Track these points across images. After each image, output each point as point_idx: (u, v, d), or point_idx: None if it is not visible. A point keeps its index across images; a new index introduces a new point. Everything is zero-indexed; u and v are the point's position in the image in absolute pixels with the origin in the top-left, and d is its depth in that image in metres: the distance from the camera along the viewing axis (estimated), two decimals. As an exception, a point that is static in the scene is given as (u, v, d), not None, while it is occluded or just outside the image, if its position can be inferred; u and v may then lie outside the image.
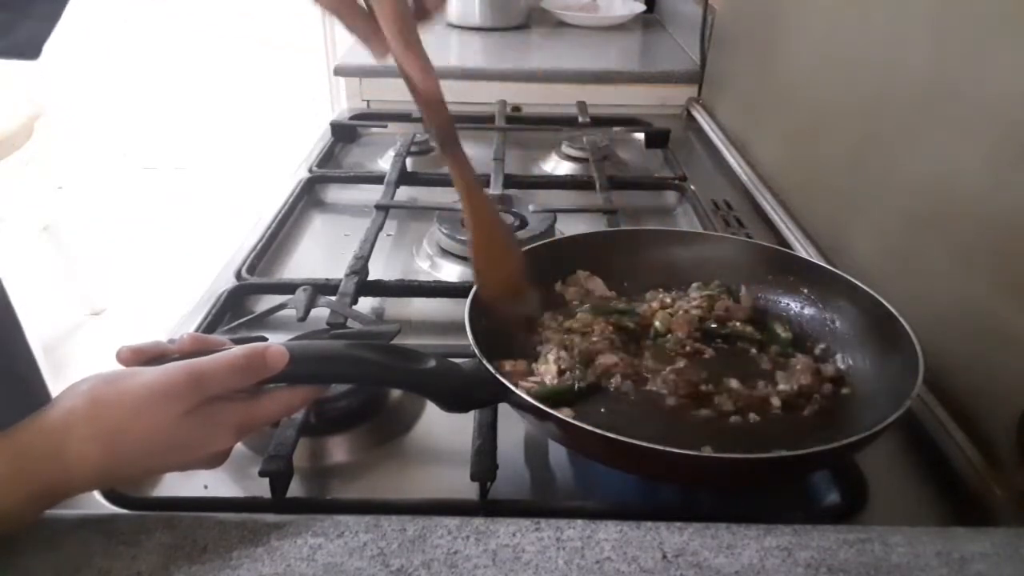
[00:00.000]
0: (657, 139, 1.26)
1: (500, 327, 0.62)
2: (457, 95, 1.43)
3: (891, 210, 0.77)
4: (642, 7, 1.88)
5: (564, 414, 0.53)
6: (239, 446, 0.50)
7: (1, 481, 0.43)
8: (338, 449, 0.62)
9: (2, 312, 0.54)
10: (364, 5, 0.50)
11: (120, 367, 0.48)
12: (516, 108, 1.42)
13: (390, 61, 0.52)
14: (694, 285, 0.72)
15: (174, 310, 0.79)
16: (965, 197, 0.65)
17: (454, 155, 0.57)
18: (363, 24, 0.51)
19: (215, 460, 0.49)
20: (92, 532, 0.47)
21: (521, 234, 0.91)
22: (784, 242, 0.92)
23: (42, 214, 2.34)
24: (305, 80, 3.03)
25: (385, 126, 1.30)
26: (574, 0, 1.92)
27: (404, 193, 1.05)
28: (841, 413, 0.59)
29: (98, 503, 0.53)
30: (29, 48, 0.55)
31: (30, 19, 0.53)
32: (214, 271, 0.85)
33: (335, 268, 0.82)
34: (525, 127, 1.32)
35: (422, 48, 0.52)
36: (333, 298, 0.76)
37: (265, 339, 0.52)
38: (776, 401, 0.59)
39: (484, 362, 0.54)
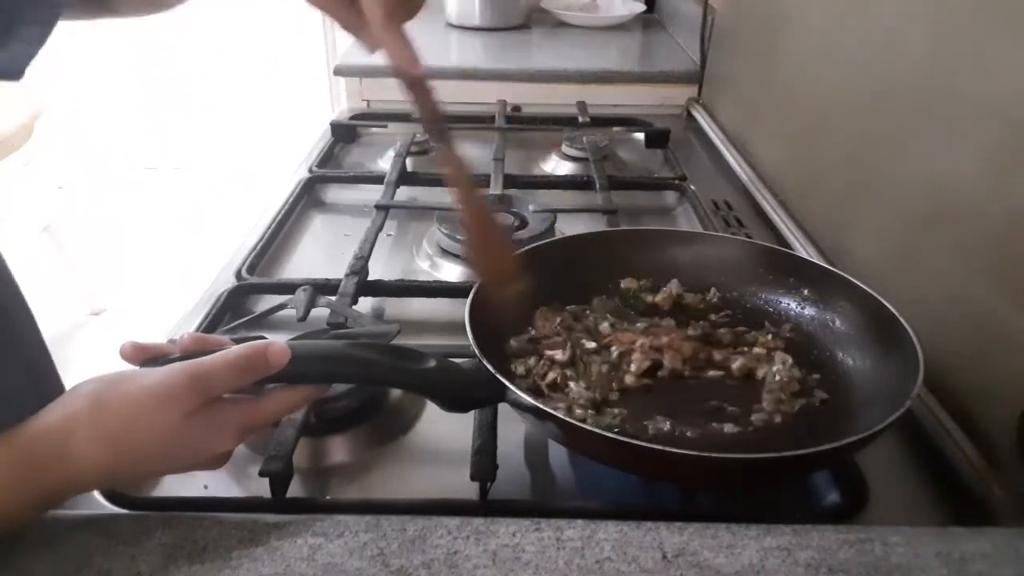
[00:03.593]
0: (657, 139, 1.26)
1: (499, 317, 0.63)
2: (457, 95, 1.43)
3: (891, 210, 0.77)
4: (642, 7, 1.88)
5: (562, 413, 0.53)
6: (239, 446, 0.49)
7: (5, 483, 0.43)
8: (338, 449, 0.62)
9: (16, 304, 0.54)
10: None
11: (122, 365, 0.48)
12: (516, 108, 1.42)
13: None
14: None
15: (174, 310, 0.79)
16: (965, 197, 0.65)
17: (443, 143, 0.58)
18: (350, 16, 0.51)
19: (217, 461, 0.49)
20: (92, 532, 0.47)
21: (521, 234, 0.91)
22: (784, 242, 0.92)
23: (42, 214, 2.34)
24: (305, 80, 3.03)
25: (385, 126, 1.30)
26: (574, 0, 1.92)
27: (404, 193, 1.05)
28: (841, 413, 0.59)
29: (98, 503, 0.53)
30: (11, 71, 0.55)
31: (17, 41, 0.53)
32: (214, 271, 0.85)
33: (335, 268, 0.82)
34: (525, 127, 1.32)
35: (405, 33, 0.52)
36: (333, 298, 0.76)
37: (265, 339, 0.52)
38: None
39: (484, 362, 0.54)
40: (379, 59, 0.53)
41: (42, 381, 0.57)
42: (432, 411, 0.60)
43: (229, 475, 0.59)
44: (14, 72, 0.54)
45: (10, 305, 0.55)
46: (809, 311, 0.69)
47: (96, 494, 0.54)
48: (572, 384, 0.60)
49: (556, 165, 1.20)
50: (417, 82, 0.55)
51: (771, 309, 0.71)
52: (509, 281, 0.63)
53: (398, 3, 0.51)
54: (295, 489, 0.57)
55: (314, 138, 1.26)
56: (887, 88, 0.79)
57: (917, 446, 0.62)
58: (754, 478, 0.54)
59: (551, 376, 0.61)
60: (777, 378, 0.61)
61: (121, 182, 3.31)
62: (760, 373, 0.62)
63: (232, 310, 0.79)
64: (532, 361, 0.63)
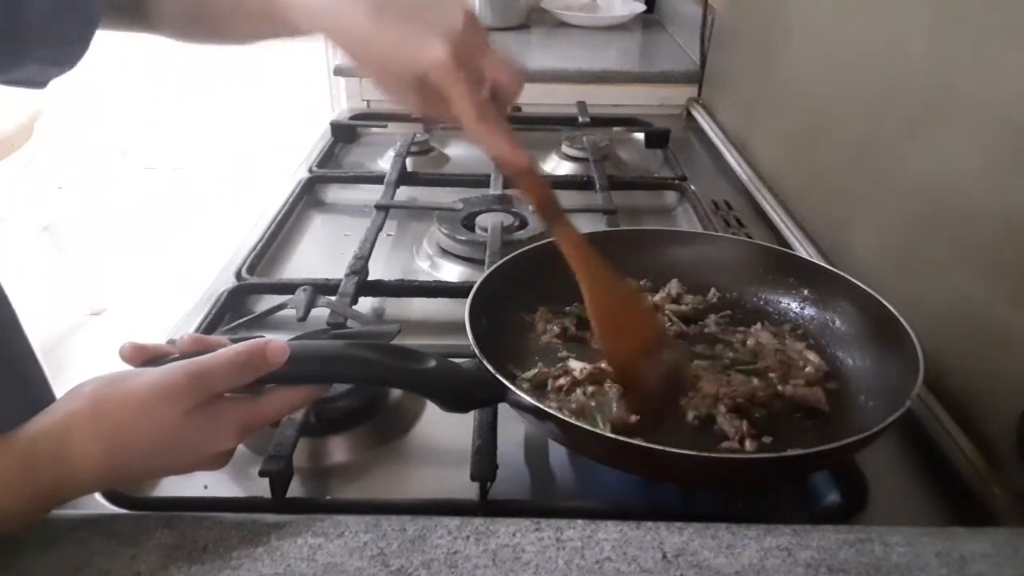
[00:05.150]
0: (657, 139, 1.26)
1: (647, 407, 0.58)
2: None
3: (891, 210, 0.77)
4: (642, 7, 1.88)
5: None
6: (239, 446, 0.49)
7: (5, 482, 0.43)
8: (338, 449, 0.62)
9: (1, 309, 0.54)
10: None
11: (122, 365, 0.48)
12: (516, 108, 1.41)
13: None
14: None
15: (174, 310, 0.79)
16: (965, 197, 0.65)
17: (560, 227, 0.56)
18: (439, 110, 0.50)
19: (218, 461, 0.49)
20: (92, 532, 0.47)
21: (521, 234, 0.91)
22: (784, 242, 0.92)
23: (42, 214, 2.34)
24: (305, 80, 3.03)
25: (385, 126, 1.30)
26: (574, 0, 1.92)
27: (404, 193, 1.05)
28: (841, 413, 0.59)
29: (98, 503, 0.53)
30: (32, 83, 0.55)
31: (32, 61, 0.53)
32: (214, 271, 0.85)
33: (335, 268, 0.82)
34: (525, 127, 1.32)
35: (504, 124, 0.51)
36: (333, 298, 0.76)
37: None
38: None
39: (484, 362, 0.54)
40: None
41: (31, 389, 0.57)
42: (432, 411, 0.60)
43: (229, 475, 0.59)
44: (36, 84, 0.55)
45: None
46: (809, 311, 0.69)
47: (96, 494, 0.54)
48: (579, 391, 0.59)
49: (556, 165, 1.20)
50: (524, 174, 0.53)
51: (771, 309, 0.71)
52: (650, 363, 0.59)
53: (487, 98, 0.49)
54: (295, 489, 0.57)
55: (314, 138, 1.26)
56: (887, 88, 0.79)
57: (917, 446, 0.62)
58: (754, 478, 0.54)
59: (562, 381, 0.60)
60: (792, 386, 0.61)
61: (121, 182, 3.31)
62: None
63: (232, 310, 0.79)
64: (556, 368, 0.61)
